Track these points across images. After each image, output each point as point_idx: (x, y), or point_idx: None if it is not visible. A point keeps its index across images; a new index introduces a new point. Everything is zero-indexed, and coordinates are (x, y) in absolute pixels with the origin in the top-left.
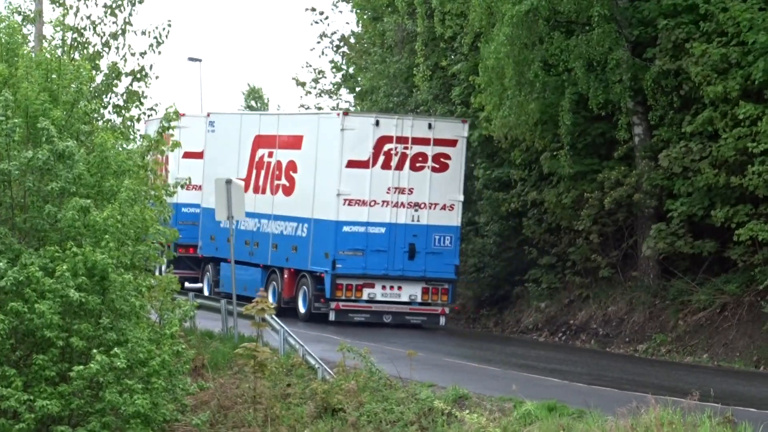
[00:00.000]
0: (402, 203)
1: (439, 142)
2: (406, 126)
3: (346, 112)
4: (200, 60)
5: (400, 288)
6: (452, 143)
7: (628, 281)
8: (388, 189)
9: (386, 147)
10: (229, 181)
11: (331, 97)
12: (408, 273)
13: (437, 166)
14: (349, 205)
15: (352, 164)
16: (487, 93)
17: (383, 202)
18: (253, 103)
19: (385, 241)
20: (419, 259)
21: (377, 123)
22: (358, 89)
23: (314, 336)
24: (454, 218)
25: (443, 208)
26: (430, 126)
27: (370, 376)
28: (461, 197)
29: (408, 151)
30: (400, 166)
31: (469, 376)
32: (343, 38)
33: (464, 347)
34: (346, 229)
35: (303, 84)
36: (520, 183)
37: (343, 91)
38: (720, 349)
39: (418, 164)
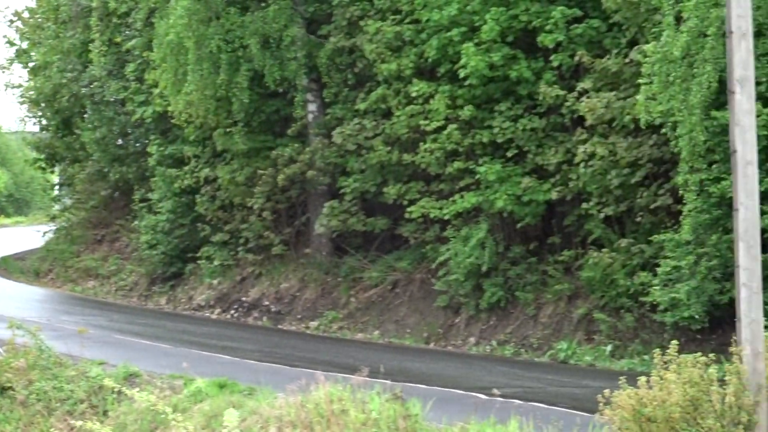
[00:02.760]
0: None
1: None
2: None
3: None
4: None
5: None
6: None
7: (301, 258)
8: None
9: None
10: None
11: (3, 71)
12: None
13: None
14: None
15: None
16: (162, 69)
17: None
18: None
19: None
20: None
21: None
22: (31, 64)
23: None
24: None
25: None
26: None
27: (40, 353)
28: None
29: None
30: None
31: (140, 353)
32: (16, 13)
33: (136, 324)
34: None
35: None
36: (193, 160)
37: (17, 66)
38: (391, 325)
39: None
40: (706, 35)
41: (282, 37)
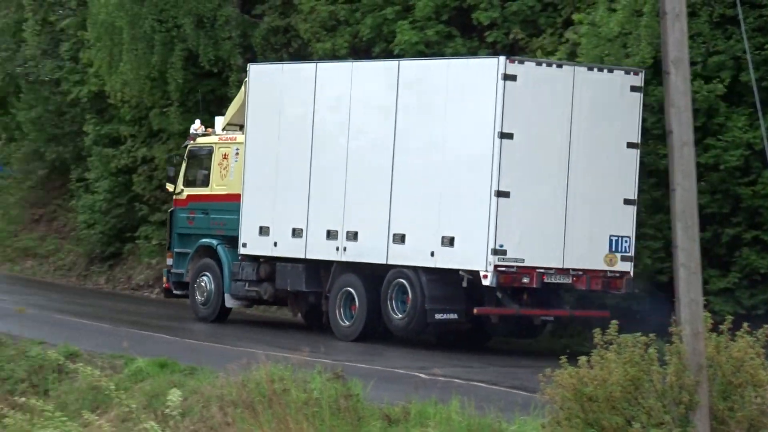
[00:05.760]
0: None
1: None
2: None
3: None
4: None
5: None
6: None
7: None
8: None
9: None
10: None
11: None
12: None
13: None
14: None
15: None
16: (97, 48)
17: None
18: None
19: None
20: None
21: None
22: None
23: None
24: None
25: None
26: None
27: None
28: None
29: None
30: None
31: (80, 333)
32: None
33: (75, 304)
34: None
35: None
36: (130, 139)
37: None
38: None
39: None
40: (641, 14)
41: (216, 16)
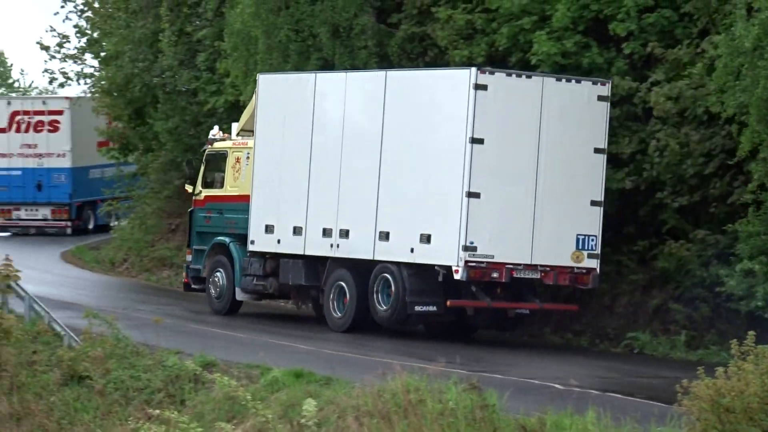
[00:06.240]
0: (30, 154)
1: (51, 112)
2: (27, 103)
3: None
4: None
5: (36, 210)
6: (60, 113)
7: None
8: (21, 145)
9: (17, 118)
10: None
11: (75, 62)
12: (39, 200)
13: (51, 128)
14: None
15: None
16: (233, 59)
17: (18, 154)
18: None
19: (21, 180)
20: (45, 191)
21: (9, 102)
22: (103, 54)
23: (60, 303)
24: (66, 162)
25: (58, 155)
26: (44, 102)
27: (117, 343)
28: (69, 147)
29: (31, 120)
30: (27, 130)
31: (216, 342)
32: (87, 2)
33: (211, 314)
34: None
35: (47, 48)
36: None
37: (88, 55)
38: None
39: (38, 128)
40: None
41: (352, 25)
